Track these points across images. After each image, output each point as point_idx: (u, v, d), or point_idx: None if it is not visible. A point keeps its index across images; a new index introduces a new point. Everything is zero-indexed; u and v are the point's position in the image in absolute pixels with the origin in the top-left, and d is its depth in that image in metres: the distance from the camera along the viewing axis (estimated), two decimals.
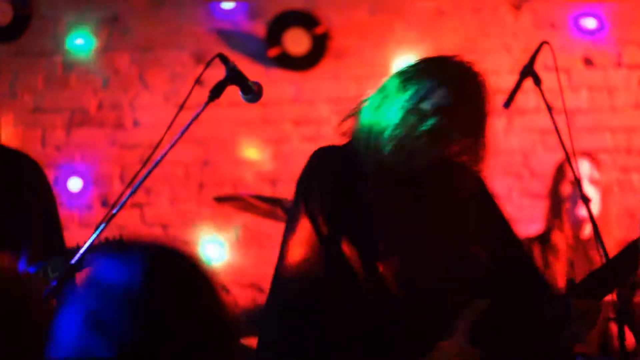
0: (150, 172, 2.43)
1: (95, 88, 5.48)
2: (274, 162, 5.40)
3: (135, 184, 2.43)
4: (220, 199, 4.75)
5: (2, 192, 3.30)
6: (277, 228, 4.88)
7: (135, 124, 5.45)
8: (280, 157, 5.40)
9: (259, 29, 5.41)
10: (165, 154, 2.48)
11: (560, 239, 4.45)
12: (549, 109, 3.63)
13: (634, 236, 2.79)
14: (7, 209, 3.30)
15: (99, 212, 5.29)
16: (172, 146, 2.51)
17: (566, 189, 4.56)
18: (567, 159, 3.51)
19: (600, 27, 5.29)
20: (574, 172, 3.53)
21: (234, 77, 2.67)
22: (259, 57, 5.37)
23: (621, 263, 2.70)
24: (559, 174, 4.62)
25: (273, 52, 5.37)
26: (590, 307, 2.56)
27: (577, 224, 4.49)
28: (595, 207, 4.38)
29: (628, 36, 5.28)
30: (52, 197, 3.44)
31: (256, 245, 5.33)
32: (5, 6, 5.44)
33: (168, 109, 5.37)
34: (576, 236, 4.46)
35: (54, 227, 3.40)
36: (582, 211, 4.44)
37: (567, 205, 4.53)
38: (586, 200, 3.52)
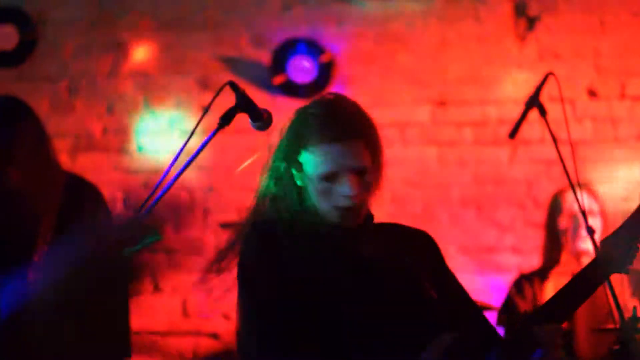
0: (158, 200, 2.43)
1: (100, 113, 5.49)
2: None
3: (142, 212, 2.43)
4: (225, 225, 4.75)
5: (64, 217, 3.33)
6: None
7: (140, 149, 5.46)
8: None
9: (264, 56, 5.42)
10: (174, 181, 2.48)
11: (559, 274, 4.43)
12: (554, 140, 3.64)
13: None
14: (67, 232, 3.35)
15: None
16: (179, 174, 2.52)
17: (563, 221, 4.54)
18: (572, 189, 3.52)
19: None
20: (578, 203, 3.54)
21: (244, 104, 2.68)
22: (264, 84, 5.37)
23: (576, 288, 2.72)
24: (555, 206, 4.60)
25: (278, 79, 5.38)
26: (551, 330, 2.60)
27: (577, 256, 4.47)
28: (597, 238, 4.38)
29: (632, 68, 5.29)
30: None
31: None
32: (10, 31, 5.46)
33: (173, 134, 5.39)
34: (576, 270, 4.45)
35: None
36: (582, 244, 4.43)
37: (567, 238, 4.51)
38: (591, 232, 3.53)
